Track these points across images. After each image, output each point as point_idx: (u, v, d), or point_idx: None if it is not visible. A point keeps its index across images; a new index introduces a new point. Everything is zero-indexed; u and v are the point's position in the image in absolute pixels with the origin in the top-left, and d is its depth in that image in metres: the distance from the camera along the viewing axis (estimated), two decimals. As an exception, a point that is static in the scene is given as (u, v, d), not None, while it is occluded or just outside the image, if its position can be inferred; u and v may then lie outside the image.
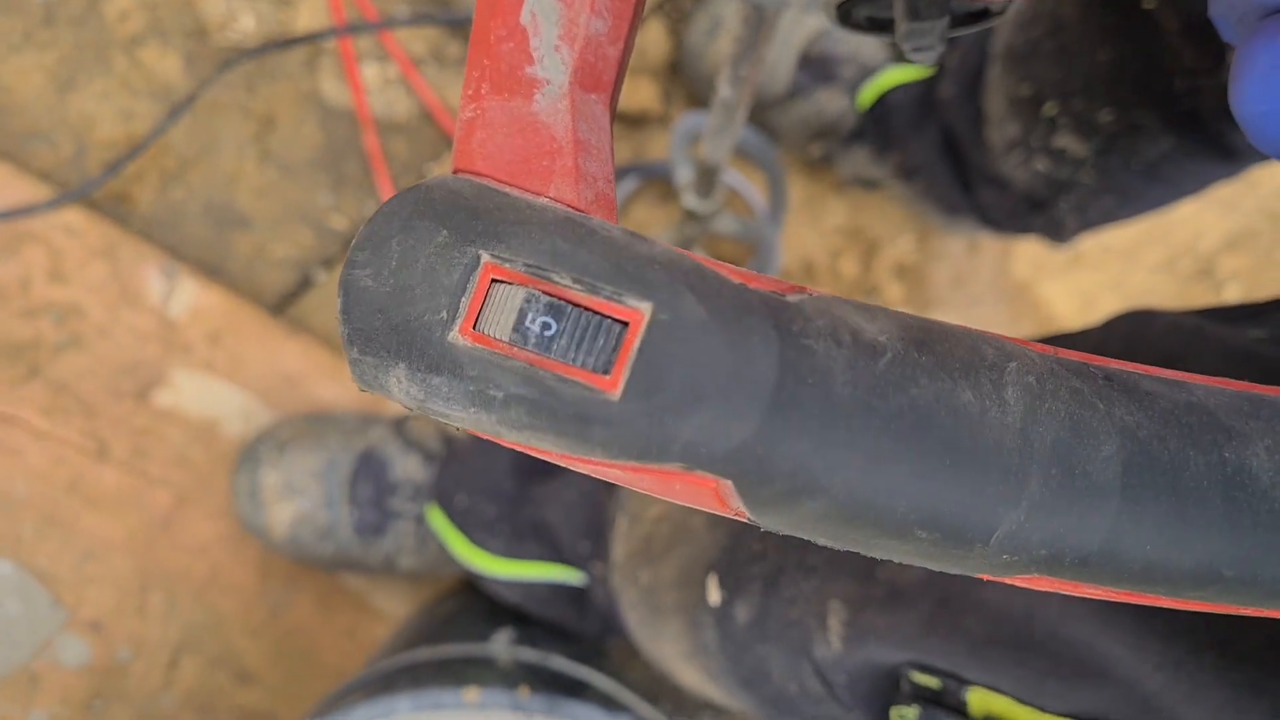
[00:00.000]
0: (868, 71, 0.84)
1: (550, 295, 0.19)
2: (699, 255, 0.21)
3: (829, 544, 0.21)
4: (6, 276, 0.82)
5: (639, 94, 0.86)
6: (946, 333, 0.20)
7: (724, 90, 0.56)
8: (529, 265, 0.20)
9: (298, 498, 0.82)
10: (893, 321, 0.20)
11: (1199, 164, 0.67)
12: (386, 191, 0.88)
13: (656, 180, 0.91)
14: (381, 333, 0.20)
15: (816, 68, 0.84)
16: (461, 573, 0.84)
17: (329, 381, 0.86)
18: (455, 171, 0.22)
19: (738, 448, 0.19)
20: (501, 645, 0.73)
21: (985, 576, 0.20)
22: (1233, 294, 1.00)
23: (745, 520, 0.21)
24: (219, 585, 0.87)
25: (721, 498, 0.20)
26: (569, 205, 0.21)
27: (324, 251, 0.89)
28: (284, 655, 0.88)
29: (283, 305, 0.88)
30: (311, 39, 0.82)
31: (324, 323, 0.90)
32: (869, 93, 0.83)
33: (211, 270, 0.87)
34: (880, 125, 0.85)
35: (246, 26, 0.85)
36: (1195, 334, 0.40)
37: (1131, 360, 0.40)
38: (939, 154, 0.84)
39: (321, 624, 0.88)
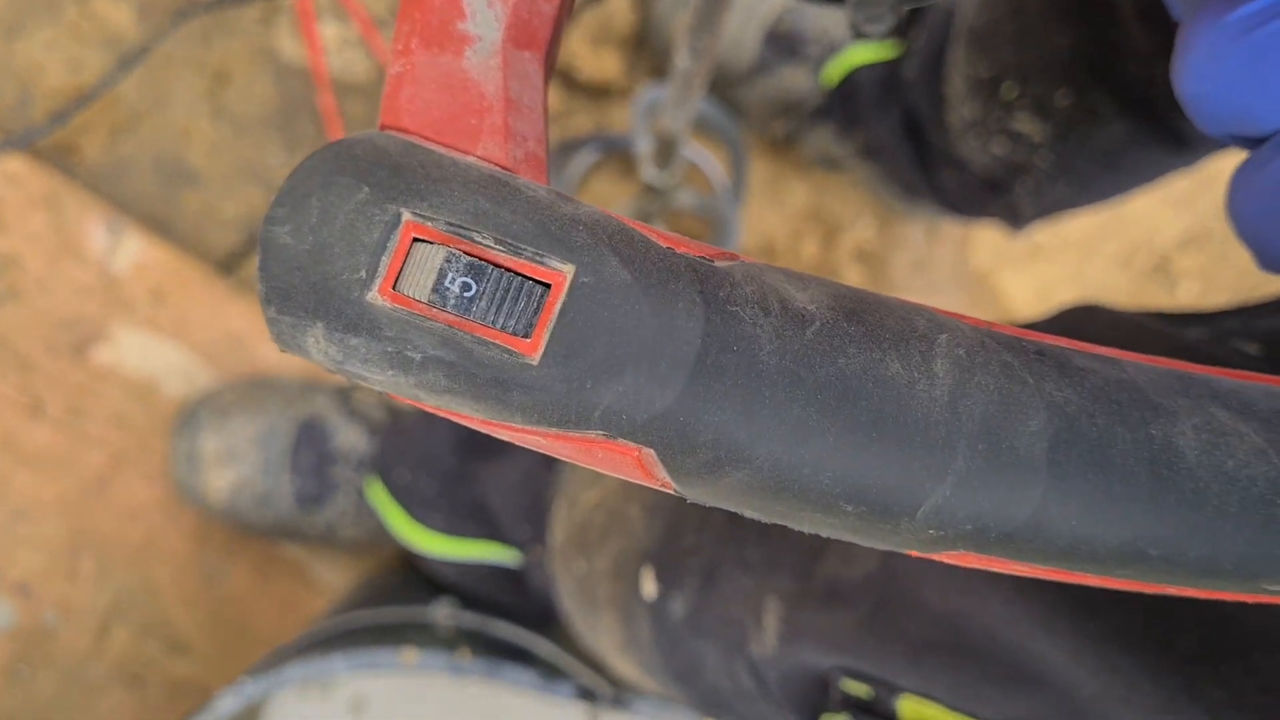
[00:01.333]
0: (834, 50, 0.84)
1: (471, 255, 0.19)
2: (626, 219, 0.20)
3: (756, 516, 0.20)
4: (-58, 224, 0.79)
5: (603, 65, 0.86)
6: (879, 303, 0.20)
7: (682, 61, 0.55)
8: (451, 225, 0.19)
9: (237, 464, 0.80)
10: (824, 291, 0.20)
11: (1153, 152, 0.67)
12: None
13: (618, 154, 0.90)
14: (299, 291, 0.19)
15: (783, 44, 0.84)
16: (401, 548, 0.82)
17: (274, 345, 0.84)
18: (381, 128, 0.21)
19: (659, 415, 0.19)
20: (442, 611, 0.72)
21: (913, 553, 0.20)
22: (1186, 291, 1.00)
23: (671, 492, 0.20)
24: (153, 551, 0.84)
25: (645, 467, 0.20)
26: (497, 164, 0.21)
27: (276, 213, 0.87)
28: (218, 625, 0.86)
29: (230, 265, 0.86)
30: (269, -7, 0.81)
31: (273, 285, 0.88)
32: (834, 71, 0.83)
33: (158, 226, 0.85)
34: (845, 104, 0.85)
35: (203, -22, 0.83)
36: (1136, 329, 0.40)
37: None
38: (901, 135, 0.84)
39: (258, 594, 0.86)
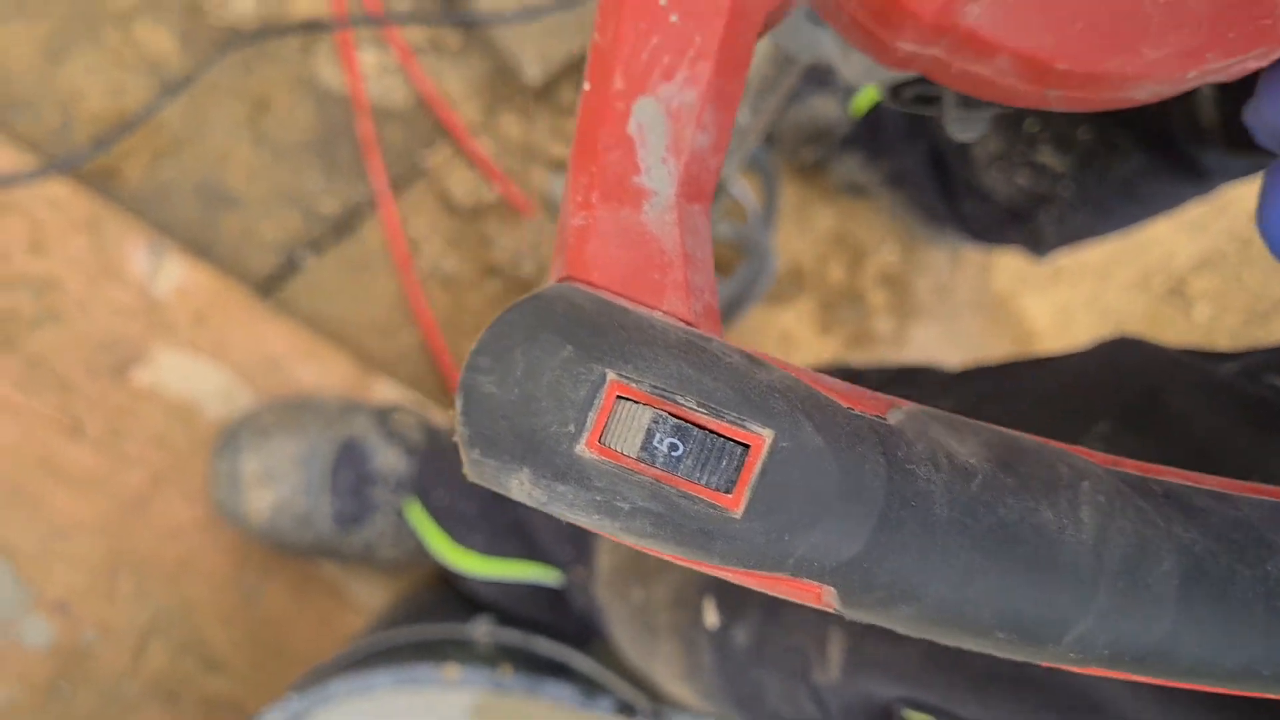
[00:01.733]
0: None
1: (677, 418, 0.21)
2: (810, 376, 0.22)
3: (906, 633, 0.22)
4: (-15, 247, 0.80)
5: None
6: (1026, 451, 0.22)
7: (742, 117, 0.57)
8: (655, 388, 0.21)
9: (277, 484, 0.81)
10: (980, 440, 0.22)
11: (1171, 182, 0.69)
12: (378, 178, 0.88)
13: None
14: (505, 438, 0.21)
15: (813, 74, 0.85)
16: (439, 566, 0.83)
17: (312, 365, 0.86)
18: (568, 278, 0.23)
19: (846, 562, 0.21)
20: (481, 629, 0.73)
21: (1047, 664, 0.23)
22: (1202, 314, 1.03)
23: (831, 612, 0.22)
24: (192, 570, 0.85)
25: (821, 599, 0.22)
26: (681, 319, 0.22)
27: (312, 235, 0.89)
28: (255, 644, 0.87)
29: (269, 287, 0.88)
30: (310, 29, 0.82)
31: (309, 306, 0.89)
32: (863, 101, 0.85)
33: (199, 249, 0.86)
34: (872, 133, 0.87)
35: (244, 7, 0.84)
36: (1174, 365, 0.42)
37: (1117, 387, 0.42)
38: (927, 164, 0.85)
39: (295, 613, 0.87)
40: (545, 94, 0.89)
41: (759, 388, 0.21)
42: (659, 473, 0.20)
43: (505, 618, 0.78)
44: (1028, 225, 0.81)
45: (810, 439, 0.21)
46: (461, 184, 0.88)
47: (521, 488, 0.21)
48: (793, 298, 0.96)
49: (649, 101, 0.23)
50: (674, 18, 0.23)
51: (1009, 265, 0.99)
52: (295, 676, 0.85)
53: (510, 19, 0.75)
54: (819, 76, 0.86)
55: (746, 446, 0.21)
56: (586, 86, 0.24)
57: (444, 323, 0.91)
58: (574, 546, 0.73)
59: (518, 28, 0.83)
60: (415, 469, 0.82)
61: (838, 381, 0.23)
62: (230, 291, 0.84)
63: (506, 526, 0.78)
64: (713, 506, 0.21)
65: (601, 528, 0.21)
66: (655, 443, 0.20)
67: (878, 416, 0.22)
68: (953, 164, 0.83)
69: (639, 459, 0.20)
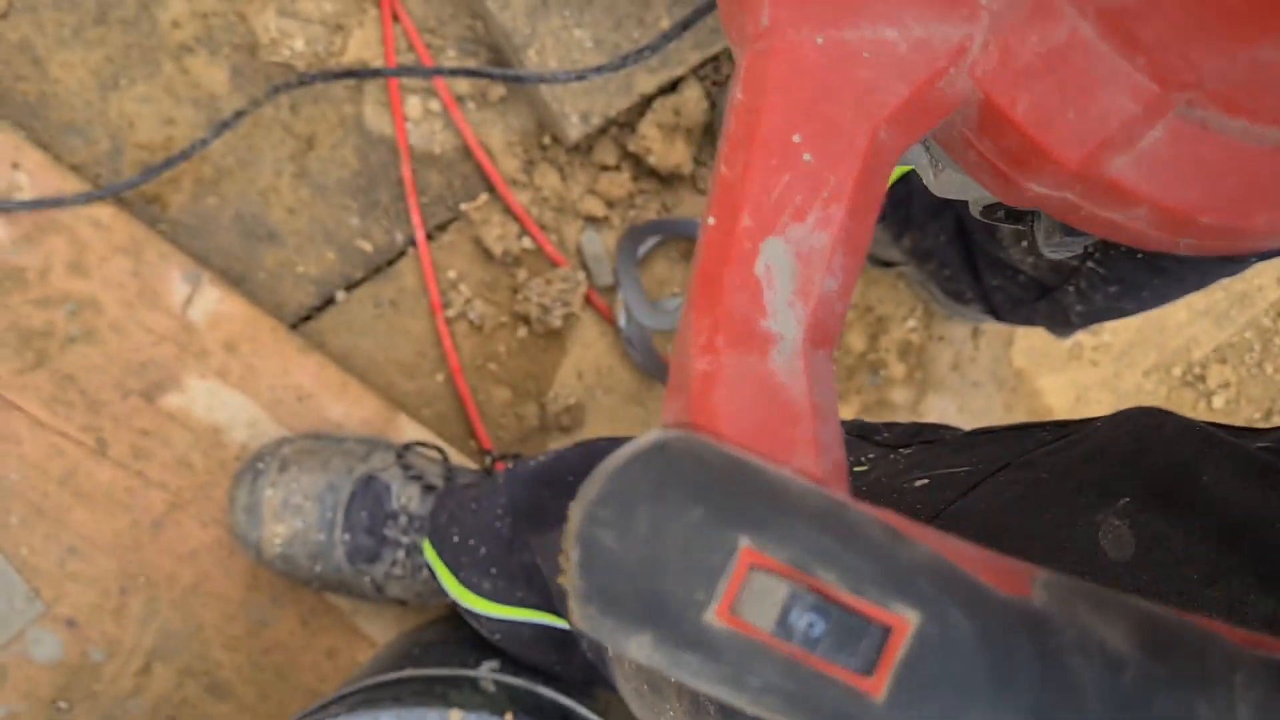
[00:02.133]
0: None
1: (816, 592, 0.20)
2: (950, 548, 0.21)
3: None
4: (26, 264, 0.82)
5: (673, 152, 0.89)
6: (1175, 636, 0.22)
7: None
8: (793, 559, 0.20)
9: (294, 517, 0.82)
10: (1129, 624, 0.21)
11: (1199, 259, 0.69)
12: (416, 221, 0.89)
13: (682, 239, 0.93)
14: (627, 598, 0.20)
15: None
16: (450, 604, 0.84)
17: (339, 400, 0.87)
18: (692, 427, 0.22)
19: None
20: (487, 671, 0.73)
21: None
22: (1221, 403, 1.03)
23: None
24: (202, 594, 0.86)
25: None
26: (811, 477, 0.22)
27: (347, 273, 0.90)
28: (260, 671, 0.87)
29: (302, 322, 0.89)
30: (360, 75, 0.84)
31: (340, 343, 0.90)
32: (891, 174, 0.86)
33: (235, 280, 0.88)
34: (899, 208, 0.88)
35: (297, 47, 0.87)
36: (1207, 439, 0.41)
37: (1141, 459, 0.41)
38: (953, 238, 0.86)
39: (303, 643, 0.88)
40: (584, 150, 0.91)
41: (903, 565, 0.20)
42: (795, 650, 0.19)
43: (512, 658, 0.79)
44: (1053, 302, 0.81)
45: (958, 625, 0.20)
46: (496, 232, 0.89)
47: (641, 650, 0.20)
48: (813, 361, 0.97)
49: (778, 242, 0.22)
50: (808, 156, 0.22)
51: (1028, 343, 1.00)
52: (299, 707, 0.85)
53: (556, 79, 0.77)
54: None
55: (889, 628, 0.20)
56: (711, 221, 0.23)
57: (468, 366, 0.92)
58: None
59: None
60: (431, 508, 0.82)
61: (975, 549, 0.22)
62: (262, 323, 0.85)
63: (518, 571, 0.78)
64: (850, 690, 0.20)
65: (726, 699, 0.20)
66: (792, 619, 0.19)
67: (1022, 597, 0.21)
68: (979, 239, 0.84)
69: (774, 634, 0.19)
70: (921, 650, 0.20)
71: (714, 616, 0.20)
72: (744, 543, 0.20)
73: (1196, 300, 1.00)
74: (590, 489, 0.21)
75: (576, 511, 0.21)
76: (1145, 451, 0.43)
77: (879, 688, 0.20)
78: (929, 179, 0.42)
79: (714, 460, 0.21)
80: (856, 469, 0.61)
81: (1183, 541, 0.37)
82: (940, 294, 0.91)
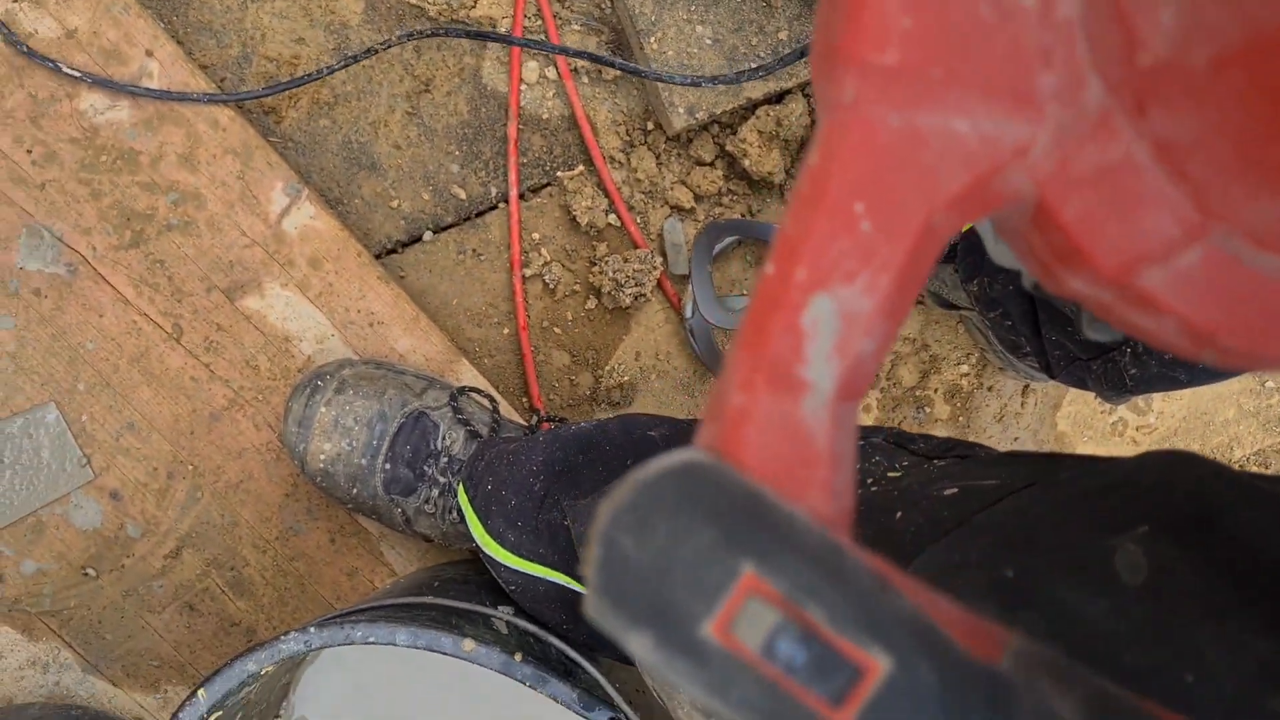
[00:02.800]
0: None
1: (803, 625, 0.22)
2: (935, 605, 0.23)
3: None
4: (142, 148, 0.86)
5: (768, 160, 0.91)
6: (1129, 711, 0.23)
7: None
8: (788, 592, 0.22)
9: (342, 438, 0.84)
10: (1083, 700, 0.23)
11: None
12: (512, 178, 0.92)
13: (759, 242, 0.95)
14: (636, 599, 0.22)
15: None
16: (473, 550, 0.86)
17: (407, 334, 0.90)
18: (721, 453, 0.24)
19: None
20: (505, 613, 0.76)
21: None
22: (1250, 506, 1.04)
23: None
24: (243, 492, 0.89)
25: None
26: (820, 516, 0.23)
27: (438, 215, 0.94)
28: (283, 576, 0.90)
29: (386, 254, 0.92)
30: (487, 38, 0.88)
31: (418, 280, 0.93)
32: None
33: (332, 201, 0.91)
34: (969, 254, 0.90)
35: (432, -8, 0.90)
36: (1248, 486, 0.42)
37: (1167, 495, 0.42)
38: (1019, 291, 0.88)
39: (328, 558, 0.91)
40: (683, 142, 0.94)
41: (885, 613, 0.22)
42: (775, 672, 0.21)
43: (524, 611, 0.81)
44: (1109, 362, 0.83)
45: (925, 677, 0.22)
46: (586, 204, 0.92)
47: (643, 647, 0.22)
48: (862, 387, 0.99)
49: (825, 299, 0.23)
50: (866, 225, 0.24)
51: (1075, 410, 1.02)
52: (312, 618, 0.88)
53: (672, 80, 0.80)
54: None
55: (863, 669, 0.22)
56: (770, 269, 0.24)
57: (534, 325, 0.95)
58: None
59: (676, 74, 0.88)
60: (471, 454, 0.85)
61: (956, 610, 0.23)
62: (349, 246, 0.89)
63: (544, 529, 0.80)
64: (821, 718, 0.22)
65: (707, 703, 0.22)
66: (777, 644, 0.22)
67: (991, 662, 0.23)
68: (1044, 294, 0.86)
69: (760, 655, 0.21)
70: (889, 694, 0.21)
71: (709, 630, 0.22)
72: (747, 568, 0.22)
73: (1248, 401, 1.01)
74: (620, 494, 0.23)
75: (604, 512, 0.23)
76: (1172, 487, 0.44)
77: (846, 718, 0.22)
78: (989, 245, 0.44)
79: (734, 488, 0.23)
80: (890, 474, 0.63)
81: (1192, 574, 0.38)
82: (998, 343, 0.93)
